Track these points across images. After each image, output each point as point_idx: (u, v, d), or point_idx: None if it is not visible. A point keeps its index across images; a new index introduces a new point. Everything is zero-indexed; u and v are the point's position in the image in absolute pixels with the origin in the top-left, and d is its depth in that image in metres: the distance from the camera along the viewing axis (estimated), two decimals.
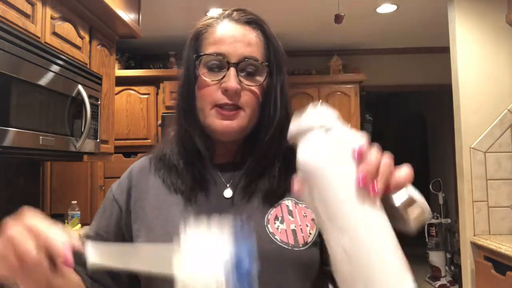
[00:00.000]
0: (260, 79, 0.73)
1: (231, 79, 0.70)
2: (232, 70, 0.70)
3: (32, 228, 0.49)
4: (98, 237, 0.76)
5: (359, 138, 0.47)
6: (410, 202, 0.48)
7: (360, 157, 0.45)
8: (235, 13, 0.75)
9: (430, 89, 4.42)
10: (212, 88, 0.71)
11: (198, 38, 0.75)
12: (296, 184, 0.50)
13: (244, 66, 0.72)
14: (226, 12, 0.76)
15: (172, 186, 0.74)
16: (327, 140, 0.47)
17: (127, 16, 2.42)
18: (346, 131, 0.48)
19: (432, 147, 5.41)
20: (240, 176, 0.74)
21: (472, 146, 2.66)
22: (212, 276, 0.44)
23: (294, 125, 0.49)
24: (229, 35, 0.72)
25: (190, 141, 0.74)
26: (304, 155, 0.48)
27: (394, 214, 0.47)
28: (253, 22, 0.75)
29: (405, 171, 0.47)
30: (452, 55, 2.80)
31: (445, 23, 2.86)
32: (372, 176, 0.45)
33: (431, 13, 3.32)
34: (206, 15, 0.81)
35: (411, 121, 5.82)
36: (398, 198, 0.48)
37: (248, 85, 0.72)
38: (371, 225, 0.44)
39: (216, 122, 0.71)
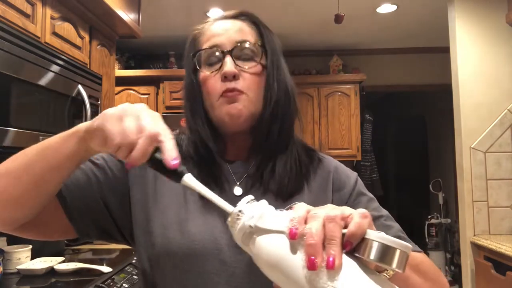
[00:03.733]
0: (257, 60, 0.75)
1: (227, 64, 0.72)
2: (228, 57, 0.73)
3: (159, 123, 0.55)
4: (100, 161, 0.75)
5: (290, 215, 0.46)
6: (384, 249, 0.42)
7: (294, 237, 0.43)
8: (225, 13, 0.80)
9: (430, 89, 4.41)
10: (214, 80, 0.74)
11: (194, 41, 0.79)
12: None
13: (239, 51, 0.74)
14: (218, 16, 0.80)
15: None
16: (266, 238, 0.46)
17: (127, 16, 2.42)
18: (275, 214, 0.48)
19: (432, 147, 5.40)
20: (252, 175, 0.75)
21: (472, 146, 2.66)
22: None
23: (237, 232, 0.49)
24: (221, 28, 0.76)
25: (200, 140, 0.76)
26: (260, 262, 0.47)
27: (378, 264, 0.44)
28: (242, 15, 0.79)
29: (355, 222, 0.44)
30: (452, 55, 2.80)
31: (445, 23, 2.86)
32: (318, 254, 0.41)
33: (431, 13, 3.32)
34: (206, 15, 0.83)
35: (411, 121, 5.81)
36: (369, 250, 0.43)
37: (245, 69, 0.74)
38: None
39: (223, 109, 0.73)
